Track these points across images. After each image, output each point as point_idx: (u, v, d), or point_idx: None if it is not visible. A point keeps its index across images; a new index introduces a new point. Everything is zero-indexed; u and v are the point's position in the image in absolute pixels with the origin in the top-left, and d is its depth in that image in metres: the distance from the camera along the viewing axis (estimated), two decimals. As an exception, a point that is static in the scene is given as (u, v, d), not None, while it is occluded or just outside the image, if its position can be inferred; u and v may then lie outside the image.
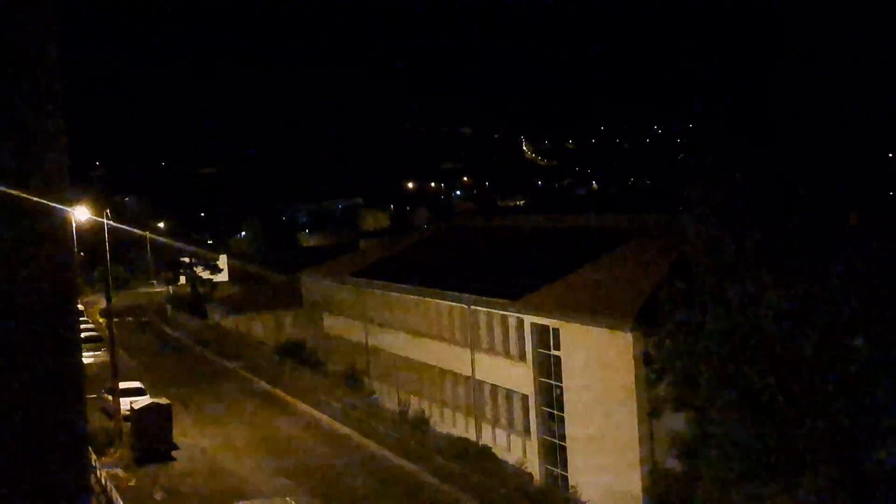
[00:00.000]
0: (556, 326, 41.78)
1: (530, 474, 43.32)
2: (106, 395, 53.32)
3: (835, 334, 25.77)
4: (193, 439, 50.09)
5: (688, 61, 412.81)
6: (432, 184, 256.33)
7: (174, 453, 47.27)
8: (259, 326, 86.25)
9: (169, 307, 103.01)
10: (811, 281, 26.33)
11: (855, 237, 28.60)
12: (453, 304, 51.12)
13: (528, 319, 43.77)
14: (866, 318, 25.51)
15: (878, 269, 26.08)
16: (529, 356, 43.86)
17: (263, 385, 63.08)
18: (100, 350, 68.65)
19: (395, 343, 58.39)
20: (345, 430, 51.09)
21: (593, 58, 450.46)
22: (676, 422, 32.09)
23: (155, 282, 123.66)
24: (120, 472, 44.45)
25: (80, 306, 77.99)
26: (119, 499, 38.32)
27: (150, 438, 46.60)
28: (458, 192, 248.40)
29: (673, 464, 33.10)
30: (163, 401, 48.86)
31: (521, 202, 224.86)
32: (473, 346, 48.99)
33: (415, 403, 54.40)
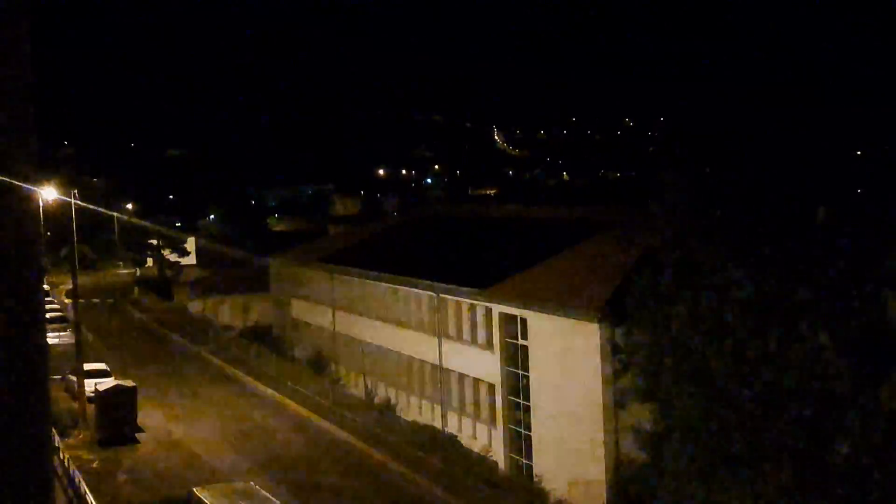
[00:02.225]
0: (524, 316, 41.88)
1: (495, 462, 43.49)
2: (70, 376, 53.00)
3: (800, 329, 25.98)
4: (157, 422, 49.91)
5: (662, 55, 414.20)
6: (403, 171, 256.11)
7: (138, 436, 47.09)
8: (226, 310, 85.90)
9: (136, 289, 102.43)
10: (778, 276, 26.53)
11: (822, 233, 28.83)
12: (422, 291, 51.13)
13: (497, 309, 43.84)
14: (831, 314, 25.72)
15: (844, 266, 26.29)
16: (497, 345, 43.94)
17: (229, 369, 62.89)
18: (65, 331, 68.21)
19: (363, 330, 58.32)
20: (310, 415, 51.05)
21: (566, 48, 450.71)
22: (642, 413, 32.28)
23: (122, 263, 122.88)
24: (83, 454, 44.23)
25: (45, 286, 77.42)
26: (82, 481, 38.14)
27: (115, 421, 46.36)
28: (429, 180, 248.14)
29: (637, 455, 33.30)
30: (128, 383, 48.63)
31: (492, 192, 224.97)
32: (441, 334, 49.04)
33: (381, 390, 54.42)
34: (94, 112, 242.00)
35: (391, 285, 54.69)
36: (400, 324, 53.78)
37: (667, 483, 29.01)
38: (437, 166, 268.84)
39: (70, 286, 72.02)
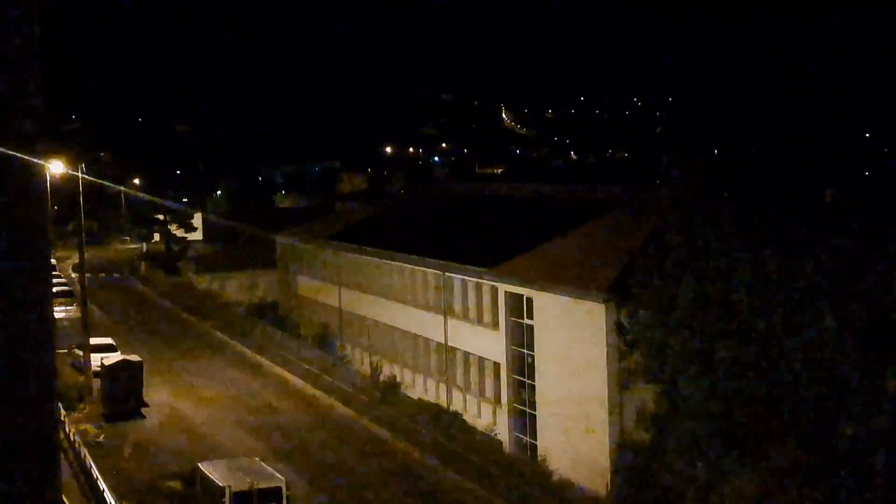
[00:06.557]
0: (530, 295, 41.88)
1: (500, 441, 43.58)
2: (76, 350, 53.13)
3: (805, 310, 25.94)
4: (163, 397, 50.03)
5: (670, 37, 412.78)
6: (410, 149, 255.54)
7: (144, 410, 47.22)
8: (232, 286, 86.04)
9: (142, 264, 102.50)
10: (783, 256, 26.48)
11: (829, 215, 28.77)
12: (428, 270, 51.13)
13: (503, 287, 43.84)
14: (837, 296, 25.69)
15: (851, 247, 26.24)
16: (502, 324, 43.97)
17: (235, 345, 62.97)
18: (71, 305, 68.33)
19: (369, 307, 58.38)
20: (314, 391, 51.16)
21: (576, 27, 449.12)
22: (646, 394, 32.31)
23: (129, 238, 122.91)
24: (89, 428, 44.38)
25: (52, 261, 77.48)
26: (87, 455, 38.29)
27: (121, 395, 46.51)
28: (436, 159, 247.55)
29: (641, 436, 33.35)
30: (133, 358, 48.73)
31: (499, 170, 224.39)
32: (447, 312, 49.07)
33: (387, 368, 54.49)
34: (102, 86, 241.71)
35: (397, 263, 54.69)
36: (406, 302, 53.81)
37: (670, 464, 29.07)
38: (444, 144, 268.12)
39: (76, 260, 72.10)
